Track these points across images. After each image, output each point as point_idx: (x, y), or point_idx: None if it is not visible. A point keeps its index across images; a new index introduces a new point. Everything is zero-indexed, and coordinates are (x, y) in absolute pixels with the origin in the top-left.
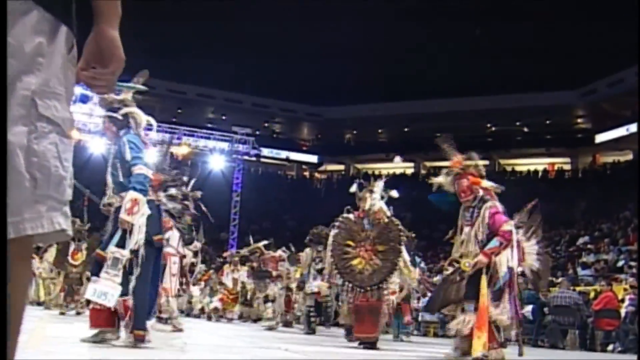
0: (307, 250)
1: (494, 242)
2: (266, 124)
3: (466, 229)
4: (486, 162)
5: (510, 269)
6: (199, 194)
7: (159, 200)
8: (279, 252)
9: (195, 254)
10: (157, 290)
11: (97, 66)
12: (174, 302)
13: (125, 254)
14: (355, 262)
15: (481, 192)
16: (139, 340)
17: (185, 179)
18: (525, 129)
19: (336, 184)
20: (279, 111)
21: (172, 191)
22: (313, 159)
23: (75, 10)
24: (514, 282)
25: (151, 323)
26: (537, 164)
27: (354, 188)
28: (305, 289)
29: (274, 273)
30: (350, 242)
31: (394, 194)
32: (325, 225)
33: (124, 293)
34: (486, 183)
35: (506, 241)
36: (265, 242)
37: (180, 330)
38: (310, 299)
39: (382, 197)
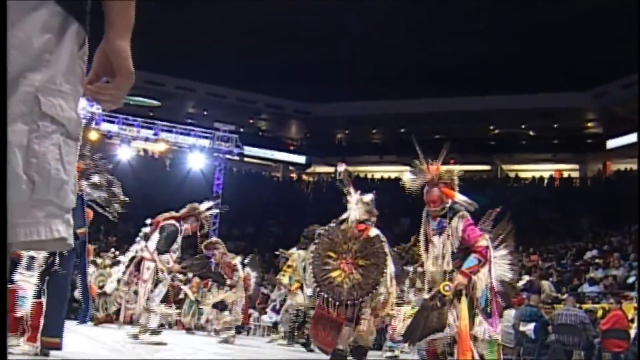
0: (300, 252)
1: (472, 261)
2: (251, 121)
3: (434, 239)
4: (488, 168)
5: (487, 286)
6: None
7: (81, 191)
8: (235, 261)
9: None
10: (86, 288)
11: (107, 78)
12: (154, 316)
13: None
14: (334, 274)
15: (450, 202)
16: (49, 348)
17: (110, 166)
18: (531, 133)
19: (325, 187)
20: (264, 107)
21: (95, 179)
22: (301, 159)
23: (90, 5)
24: (494, 299)
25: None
26: (543, 170)
27: (368, 197)
28: (295, 297)
29: (228, 281)
30: (332, 254)
31: (367, 197)
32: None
33: (37, 295)
34: (459, 197)
35: (484, 258)
36: (239, 258)
37: (161, 344)
38: (303, 303)
39: (368, 204)
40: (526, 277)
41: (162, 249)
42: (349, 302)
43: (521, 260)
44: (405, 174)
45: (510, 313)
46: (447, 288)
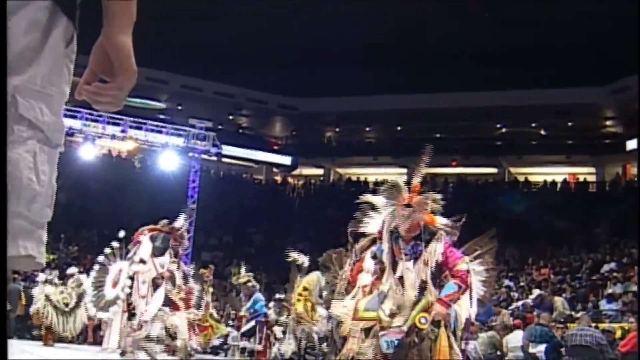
0: (319, 274)
1: (451, 287)
2: (230, 117)
3: (408, 265)
4: (494, 170)
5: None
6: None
7: None
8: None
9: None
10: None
11: (105, 78)
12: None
13: None
14: None
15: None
16: None
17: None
18: (542, 132)
19: (313, 192)
20: (245, 102)
21: None
22: (286, 160)
23: None
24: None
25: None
26: (556, 174)
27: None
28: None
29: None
30: None
31: None
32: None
33: None
34: (441, 221)
35: (464, 284)
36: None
37: None
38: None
39: None
40: (536, 292)
41: (159, 252)
42: None
43: (531, 273)
44: (373, 197)
45: (519, 333)
46: (423, 321)
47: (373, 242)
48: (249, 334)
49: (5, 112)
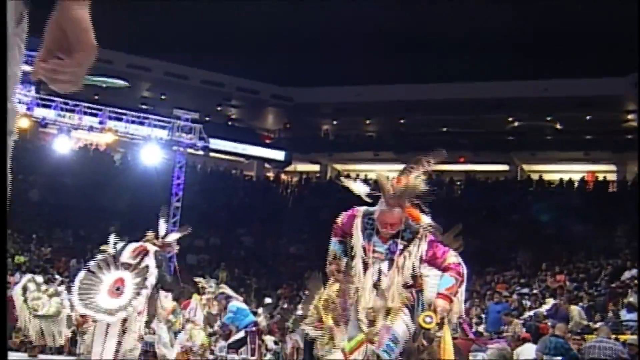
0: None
1: (449, 280)
2: (219, 108)
3: (382, 266)
4: (505, 168)
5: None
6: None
7: None
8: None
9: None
10: None
11: (61, 55)
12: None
13: None
14: None
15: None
16: None
17: None
18: (558, 126)
19: (308, 190)
20: (235, 91)
21: None
22: (279, 155)
23: None
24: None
25: None
26: (573, 171)
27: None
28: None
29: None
30: None
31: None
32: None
33: None
34: (425, 220)
35: (460, 277)
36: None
37: None
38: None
39: None
40: (551, 301)
41: (167, 286)
42: None
43: (545, 280)
44: (354, 184)
45: (532, 345)
46: (428, 320)
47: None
48: (236, 346)
49: (5, 112)
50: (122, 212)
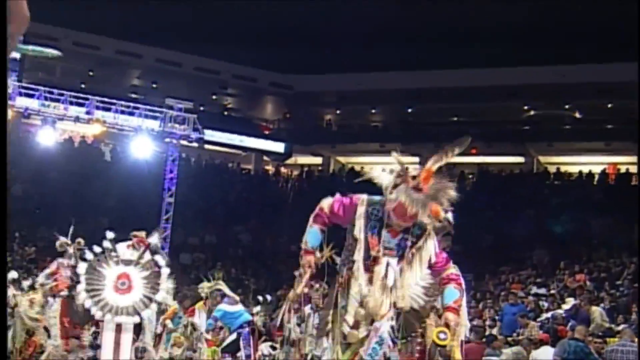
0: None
1: (455, 292)
2: (214, 97)
3: (392, 262)
4: (521, 160)
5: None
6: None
7: None
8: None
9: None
10: None
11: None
12: None
13: None
14: None
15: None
16: None
17: None
18: (577, 115)
19: (310, 184)
20: (231, 79)
21: None
22: (279, 147)
23: None
24: None
25: None
26: (593, 163)
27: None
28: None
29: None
30: None
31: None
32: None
33: None
34: (444, 215)
35: (462, 290)
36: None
37: None
38: None
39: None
40: (571, 301)
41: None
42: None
43: (563, 280)
44: (376, 171)
45: (549, 349)
46: (442, 336)
47: None
48: (231, 349)
49: (5, 112)
50: (111, 209)
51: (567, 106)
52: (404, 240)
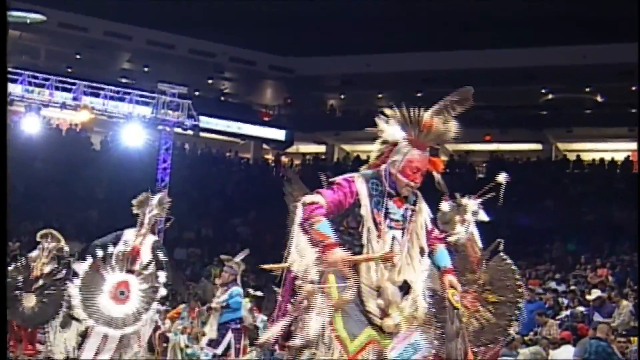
0: None
1: (446, 253)
2: (210, 81)
3: (397, 235)
4: (538, 147)
5: None
6: None
7: None
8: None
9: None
10: None
11: None
12: None
13: None
14: None
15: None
16: None
17: None
18: (599, 98)
19: (313, 173)
20: (228, 62)
21: None
22: (279, 134)
23: None
24: None
25: None
26: (615, 150)
27: (446, 207)
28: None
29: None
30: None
31: (483, 217)
32: None
33: None
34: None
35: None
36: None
37: None
38: None
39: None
40: (596, 292)
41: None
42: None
43: (584, 275)
44: (381, 121)
45: (569, 348)
46: (457, 298)
47: None
48: (214, 344)
49: (5, 112)
50: (100, 201)
51: (587, 89)
52: (406, 210)
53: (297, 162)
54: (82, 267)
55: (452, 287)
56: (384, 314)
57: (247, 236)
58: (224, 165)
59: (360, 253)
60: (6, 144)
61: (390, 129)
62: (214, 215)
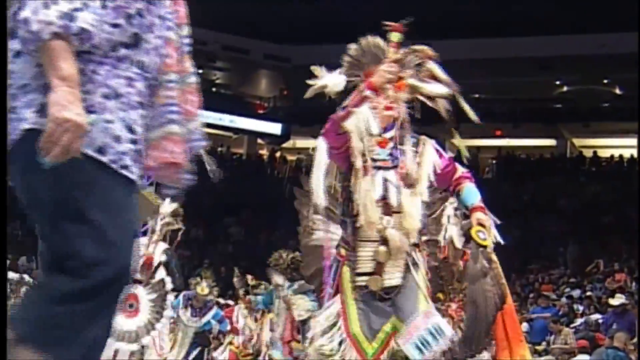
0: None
1: (476, 191)
2: (200, 71)
3: (381, 174)
4: (552, 142)
5: None
6: None
7: None
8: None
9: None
10: None
11: None
12: None
13: None
14: None
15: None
16: None
17: None
18: (617, 91)
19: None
20: (220, 51)
21: None
22: (275, 128)
23: None
24: None
25: None
26: (634, 147)
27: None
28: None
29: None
30: (440, 295)
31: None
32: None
33: None
34: (433, 89)
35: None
36: None
37: None
38: None
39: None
40: (620, 298)
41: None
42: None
43: (601, 280)
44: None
45: (586, 358)
46: (482, 235)
47: None
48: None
49: (5, 111)
50: None
51: (605, 81)
52: (395, 149)
53: (293, 158)
54: None
55: (479, 224)
56: (380, 268)
57: (240, 237)
58: (216, 161)
59: (351, 199)
60: (6, 144)
61: (330, 79)
62: (205, 215)
